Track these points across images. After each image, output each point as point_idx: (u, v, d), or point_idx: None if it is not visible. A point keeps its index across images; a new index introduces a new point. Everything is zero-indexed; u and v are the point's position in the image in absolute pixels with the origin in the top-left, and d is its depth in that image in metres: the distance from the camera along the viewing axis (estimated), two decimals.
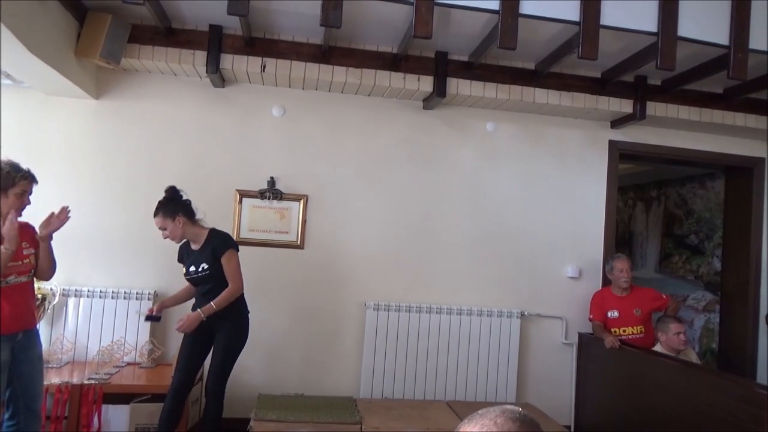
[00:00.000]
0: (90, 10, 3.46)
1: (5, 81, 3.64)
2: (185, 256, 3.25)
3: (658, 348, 3.74)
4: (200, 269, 3.12)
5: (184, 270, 3.21)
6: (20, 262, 2.66)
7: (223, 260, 3.11)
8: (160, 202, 3.14)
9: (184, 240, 3.23)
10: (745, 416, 2.70)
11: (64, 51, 3.33)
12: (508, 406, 1.07)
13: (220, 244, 3.15)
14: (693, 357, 3.83)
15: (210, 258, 3.11)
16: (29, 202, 2.69)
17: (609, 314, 4.04)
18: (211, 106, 4.03)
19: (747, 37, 3.24)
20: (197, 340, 3.15)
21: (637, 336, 3.97)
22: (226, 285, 3.10)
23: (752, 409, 2.66)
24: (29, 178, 2.67)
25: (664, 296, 4.12)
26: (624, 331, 3.98)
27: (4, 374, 2.57)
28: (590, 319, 4.13)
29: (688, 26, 3.19)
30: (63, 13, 3.27)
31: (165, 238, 3.16)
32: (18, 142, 3.76)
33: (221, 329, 3.14)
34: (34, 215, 2.78)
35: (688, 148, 4.57)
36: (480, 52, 3.68)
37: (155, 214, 3.12)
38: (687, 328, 4.09)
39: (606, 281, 4.30)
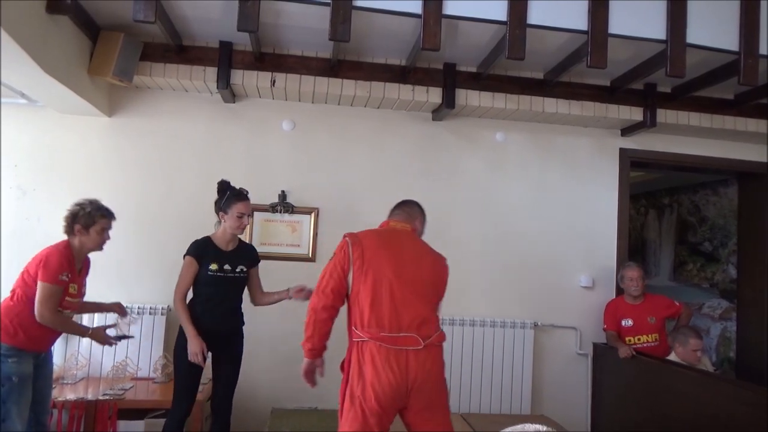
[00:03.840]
0: (102, 29, 3.52)
1: (21, 101, 3.69)
2: (207, 254, 3.05)
3: (672, 357, 3.68)
4: (238, 270, 3.12)
5: (214, 267, 3.01)
6: (76, 300, 2.85)
7: (255, 270, 3.25)
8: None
9: (206, 237, 3.11)
10: (765, 426, 2.65)
11: (77, 70, 3.38)
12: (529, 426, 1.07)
13: (257, 253, 3.30)
14: (706, 364, 3.78)
15: (248, 262, 3.18)
16: (108, 237, 2.90)
17: (623, 323, 3.99)
18: (221, 121, 4.07)
19: (757, 42, 3.22)
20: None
21: (652, 344, 3.92)
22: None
23: None
24: (108, 216, 2.86)
25: (677, 303, 4.06)
26: (638, 339, 3.94)
27: (28, 387, 2.67)
28: (604, 329, 4.09)
29: (697, 33, 3.18)
30: (76, 32, 3.32)
31: (245, 226, 3.12)
32: (33, 160, 3.83)
33: (236, 340, 3.17)
34: (51, 234, 2.81)
35: (700, 155, 4.53)
36: (488, 62, 3.69)
37: (248, 197, 3.13)
38: (704, 337, 4.04)
39: (620, 290, 4.26)
